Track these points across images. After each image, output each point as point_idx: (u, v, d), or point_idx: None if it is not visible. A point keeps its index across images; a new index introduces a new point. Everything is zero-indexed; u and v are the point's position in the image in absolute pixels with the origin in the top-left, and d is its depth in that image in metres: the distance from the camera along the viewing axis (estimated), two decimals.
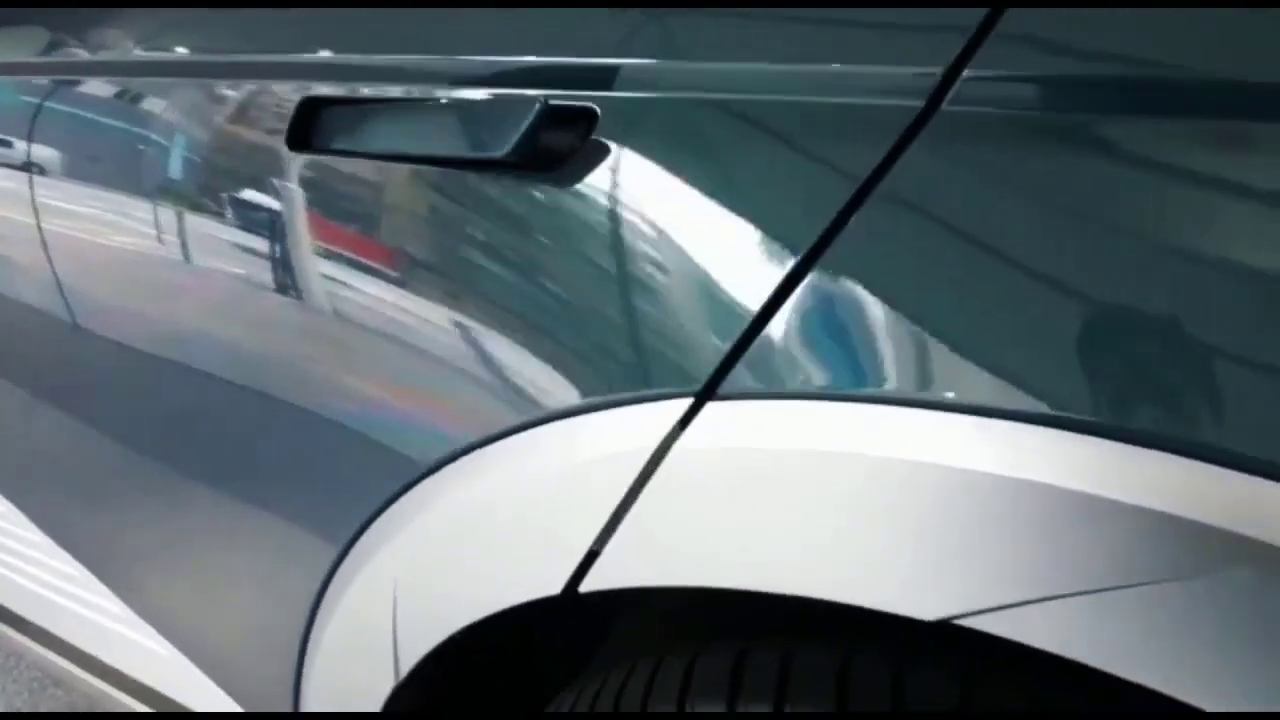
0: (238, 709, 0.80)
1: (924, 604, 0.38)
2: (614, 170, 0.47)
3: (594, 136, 0.47)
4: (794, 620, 0.48)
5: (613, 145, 0.47)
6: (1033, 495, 0.35)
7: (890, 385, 0.39)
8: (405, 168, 0.55)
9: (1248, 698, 0.32)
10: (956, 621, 0.37)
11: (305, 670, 0.70)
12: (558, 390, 0.49)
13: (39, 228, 0.81)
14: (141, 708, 0.92)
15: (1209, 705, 0.32)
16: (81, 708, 1.43)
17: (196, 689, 0.83)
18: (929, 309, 0.39)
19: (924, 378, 0.39)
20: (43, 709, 1.42)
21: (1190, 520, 0.32)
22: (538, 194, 0.50)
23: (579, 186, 0.48)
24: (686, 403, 0.43)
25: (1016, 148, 0.37)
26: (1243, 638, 0.32)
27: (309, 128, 0.59)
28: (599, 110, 0.47)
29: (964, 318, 0.39)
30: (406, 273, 0.57)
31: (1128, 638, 0.33)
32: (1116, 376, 0.35)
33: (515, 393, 0.51)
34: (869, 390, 0.40)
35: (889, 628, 0.41)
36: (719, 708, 0.45)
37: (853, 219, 0.40)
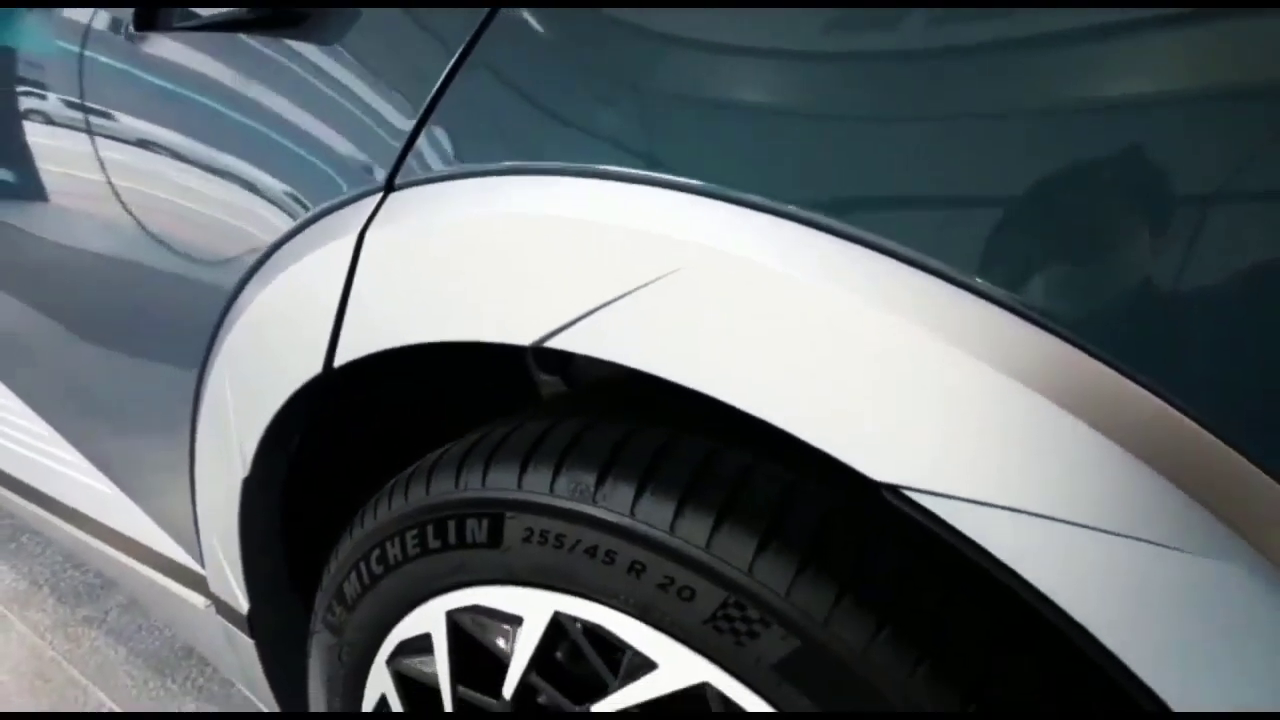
0: (162, 533, 0.95)
1: (523, 331, 0.49)
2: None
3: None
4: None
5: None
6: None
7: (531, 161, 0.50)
8: None
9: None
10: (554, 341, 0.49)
11: (196, 484, 0.84)
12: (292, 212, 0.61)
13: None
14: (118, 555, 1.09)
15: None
16: (89, 584, 1.63)
17: (134, 520, 0.99)
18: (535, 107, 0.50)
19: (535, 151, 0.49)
20: (62, 586, 1.63)
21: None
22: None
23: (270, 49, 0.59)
24: (377, 197, 0.55)
25: None
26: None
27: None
28: None
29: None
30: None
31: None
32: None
33: (258, 222, 0.63)
34: (507, 164, 0.50)
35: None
36: (588, 471, 0.53)
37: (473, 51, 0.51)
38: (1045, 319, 0.36)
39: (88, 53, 0.80)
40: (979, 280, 0.37)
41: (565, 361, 0.82)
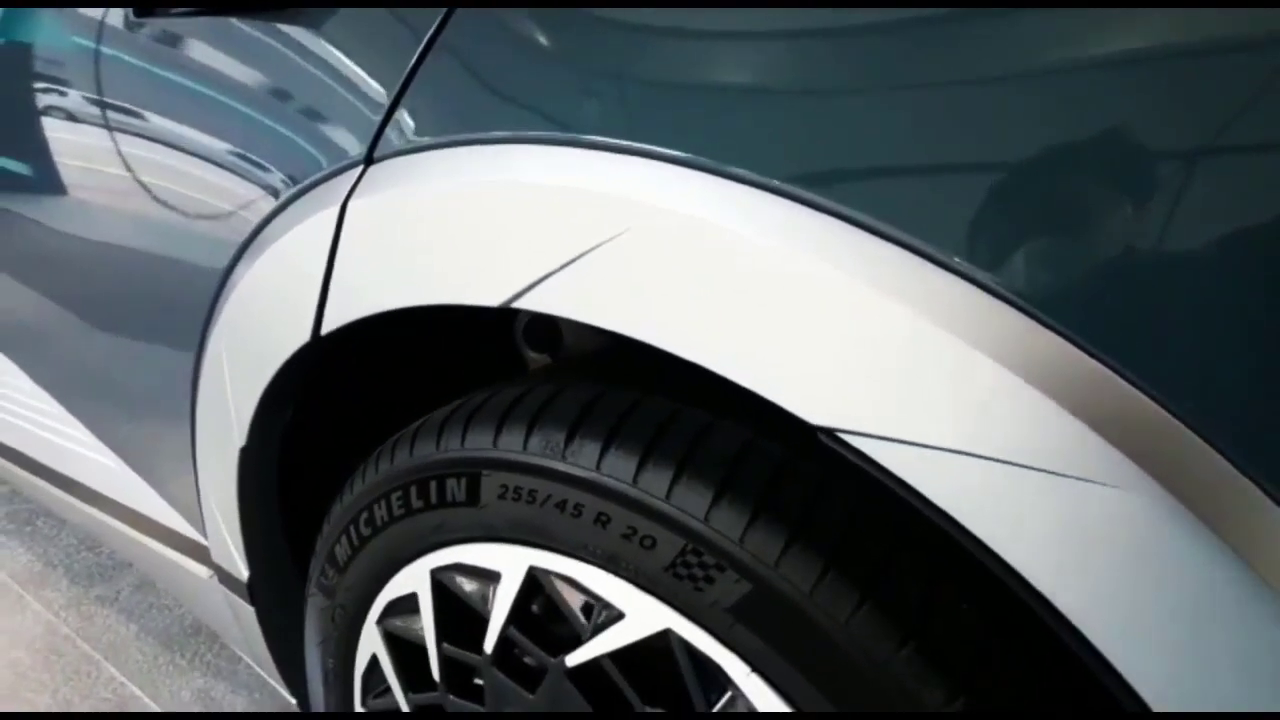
0: (166, 506, 0.99)
1: (492, 293, 0.52)
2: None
3: None
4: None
5: None
6: None
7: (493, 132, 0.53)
8: None
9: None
10: (519, 303, 0.51)
11: (197, 456, 0.88)
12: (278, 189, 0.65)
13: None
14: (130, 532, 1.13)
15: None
16: (101, 564, 1.68)
17: (140, 494, 1.03)
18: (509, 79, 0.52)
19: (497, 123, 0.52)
20: (75, 567, 1.67)
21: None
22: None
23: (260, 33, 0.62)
24: (358, 170, 0.58)
25: None
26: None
27: None
28: None
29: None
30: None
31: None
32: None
33: (247, 200, 0.67)
34: (472, 135, 0.53)
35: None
36: (558, 430, 0.56)
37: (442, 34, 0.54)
38: (966, 268, 0.38)
39: (91, 44, 0.84)
40: (903, 232, 0.39)
41: (555, 340, 0.85)
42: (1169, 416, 0.35)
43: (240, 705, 1.33)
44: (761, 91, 0.44)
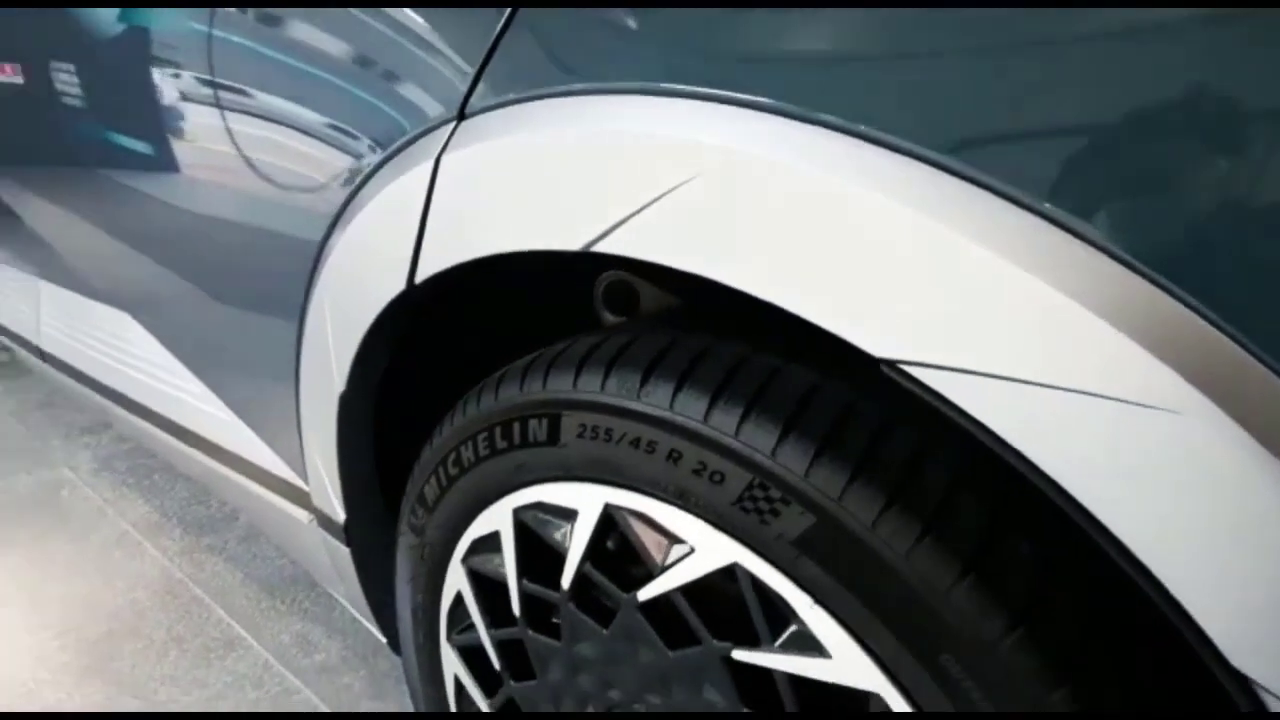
0: (272, 453, 1.06)
1: (573, 237, 0.55)
2: None
3: None
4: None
5: None
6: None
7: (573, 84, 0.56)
8: None
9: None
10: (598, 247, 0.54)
11: (301, 404, 0.94)
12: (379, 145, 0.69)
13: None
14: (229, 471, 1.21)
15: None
16: (212, 516, 1.80)
17: (249, 442, 1.11)
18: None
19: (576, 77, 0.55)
20: (188, 518, 1.80)
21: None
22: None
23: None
24: (451, 125, 0.62)
25: None
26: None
27: None
28: None
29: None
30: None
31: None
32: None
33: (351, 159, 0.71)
34: (553, 89, 0.56)
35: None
36: (634, 373, 0.59)
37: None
38: (1030, 201, 0.39)
39: (203, 27, 0.90)
40: (969, 168, 0.40)
41: (632, 304, 0.88)
42: (1227, 340, 0.36)
43: (335, 648, 1.42)
44: (828, 42, 0.45)
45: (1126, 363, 0.37)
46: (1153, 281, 0.37)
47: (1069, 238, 0.39)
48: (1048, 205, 0.39)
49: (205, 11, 0.89)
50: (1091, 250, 0.38)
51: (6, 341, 1.89)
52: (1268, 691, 0.38)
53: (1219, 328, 0.36)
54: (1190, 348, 0.36)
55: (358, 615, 1.12)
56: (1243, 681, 0.38)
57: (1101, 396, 0.38)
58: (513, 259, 0.62)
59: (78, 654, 1.41)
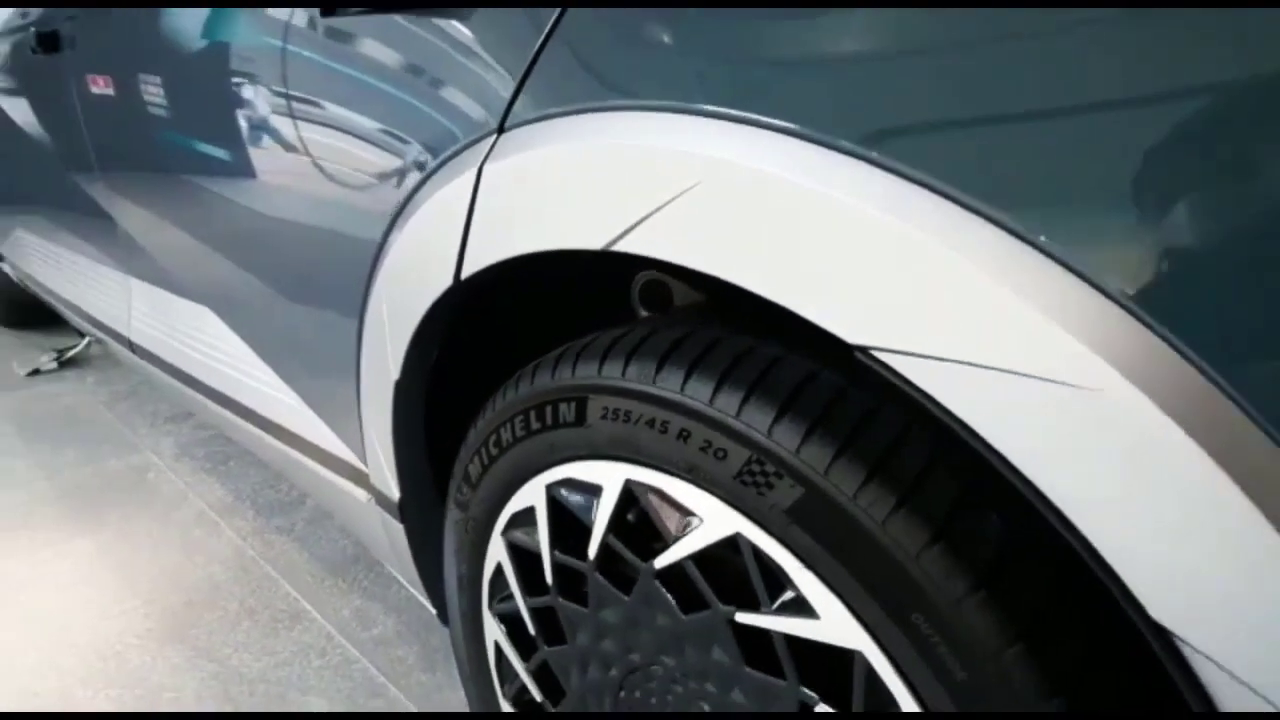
0: (335, 437, 1.16)
1: (595, 238, 0.62)
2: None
3: None
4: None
5: None
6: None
7: (598, 102, 0.63)
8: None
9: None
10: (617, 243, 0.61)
11: (361, 391, 1.03)
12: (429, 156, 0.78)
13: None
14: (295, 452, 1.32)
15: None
16: (281, 500, 1.92)
17: (314, 426, 1.21)
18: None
19: (601, 95, 0.62)
20: (260, 501, 1.92)
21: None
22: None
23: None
24: (492, 138, 0.69)
25: None
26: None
27: None
28: None
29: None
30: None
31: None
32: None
33: (404, 168, 0.79)
34: (583, 105, 0.64)
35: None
36: (651, 360, 0.66)
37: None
38: (980, 205, 0.45)
39: (277, 42, 1.00)
40: (927, 175, 0.46)
41: (666, 301, 0.95)
42: (1141, 326, 0.41)
43: (391, 623, 1.52)
44: (808, 63, 0.52)
45: (1053, 346, 0.42)
46: (1077, 274, 0.42)
47: (1005, 234, 0.44)
48: (991, 208, 0.44)
49: (281, 29, 0.99)
50: (1025, 246, 0.43)
51: (100, 335, 2.05)
52: (1184, 642, 0.43)
53: (1133, 314, 0.41)
54: (1109, 332, 0.42)
55: (413, 591, 1.21)
56: (1161, 632, 0.43)
57: (1032, 376, 0.43)
58: (562, 264, 0.69)
59: (161, 621, 1.53)
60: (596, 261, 0.66)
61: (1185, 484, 0.40)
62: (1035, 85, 0.43)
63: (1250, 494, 0.39)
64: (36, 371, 2.72)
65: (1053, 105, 0.43)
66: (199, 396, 1.57)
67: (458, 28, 0.75)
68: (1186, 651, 0.43)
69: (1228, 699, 0.43)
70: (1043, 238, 0.43)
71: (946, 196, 0.46)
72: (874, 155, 0.48)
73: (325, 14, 0.90)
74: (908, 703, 0.57)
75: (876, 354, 0.49)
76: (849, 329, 0.50)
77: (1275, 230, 0.38)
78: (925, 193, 0.46)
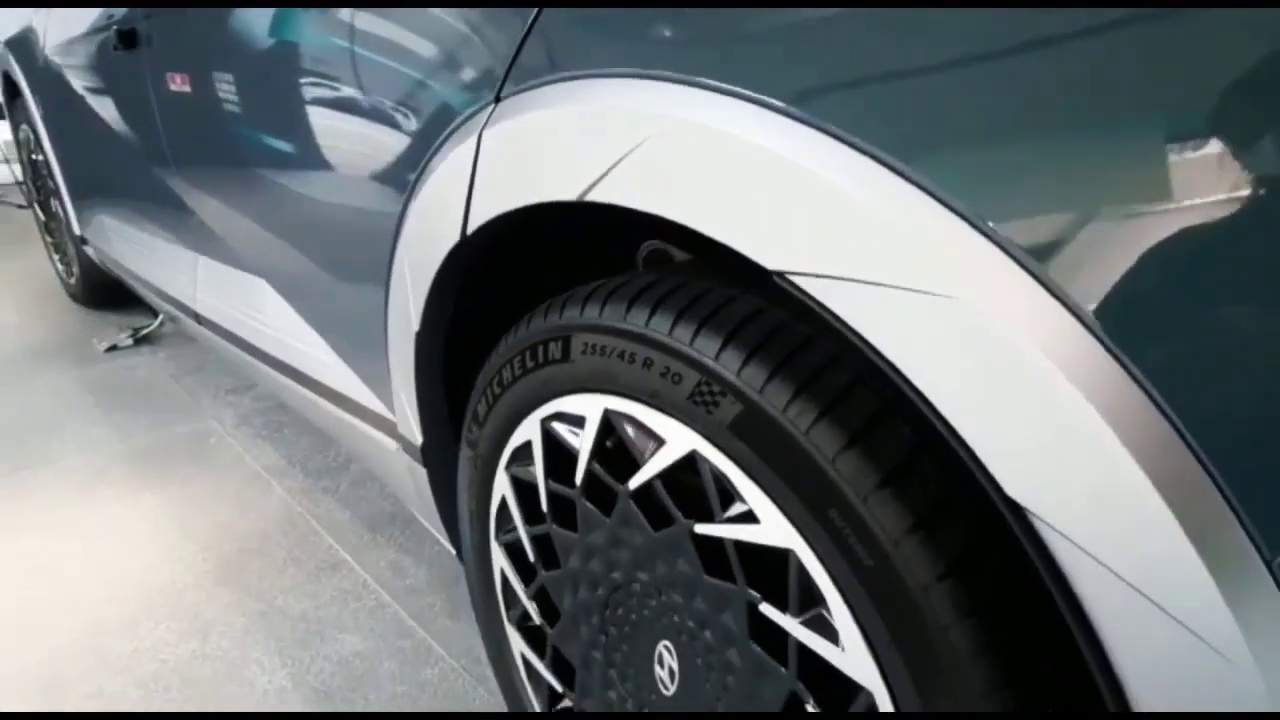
0: (367, 389, 1.27)
1: (570, 189, 0.71)
2: None
3: None
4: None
5: None
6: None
7: (577, 71, 0.72)
8: None
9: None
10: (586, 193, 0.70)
11: (389, 344, 1.14)
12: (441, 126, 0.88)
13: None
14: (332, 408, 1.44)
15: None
16: (329, 464, 2.06)
17: (348, 380, 1.33)
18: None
19: (579, 64, 0.71)
20: (309, 465, 2.06)
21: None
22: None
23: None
24: (490, 107, 0.79)
25: None
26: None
27: None
28: None
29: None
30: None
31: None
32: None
33: (422, 137, 0.90)
34: (566, 74, 0.73)
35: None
36: (622, 301, 0.76)
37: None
38: (878, 151, 0.53)
39: (328, 39, 1.12)
40: (833, 126, 0.54)
41: (668, 265, 1.03)
42: (988, 240, 0.48)
43: (422, 575, 1.63)
44: (739, 35, 0.60)
45: (917, 263, 0.50)
46: (940, 200, 0.50)
47: (892, 174, 0.52)
48: (881, 151, 0.52)
49: (328, 30, 1.11)
50: (905, 182, 0.51)
51: (171, 310, 2.22)
52: (1039, 519, 0.50)
53: (983, 232, 0.48)
54: (963, 249, 0.49)
55: (439, 537, 1.32)
56: (1017, 509, 0.51)
57: (902, 288, 0.51)
58: (580, 236, 0.78)
59: (216, 565, 1.68)
60: (609, 231, 0.75)
61: (1028, 379, 0.48)
62: (922, 44, 0.51)
63: (1078, 384, 0.46)
64: (114, 348, 2.93)
65: (937, 60, 0.51)
66: (255, 361, 1.71)
67: (463, 15, 0.86)
68: (1036, 524, 0.50)
69: (1073, 567, 0.50)
70: (922, 177, 0.51)
71: (845, 142, 0.54)
72: (792, 110, 0.56)
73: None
74: (831, 593, 0.64)
75: (790, 278, 0.57)
76: (768, 257, 0.58)
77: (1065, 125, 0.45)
78: (829, 139, 0.55)
